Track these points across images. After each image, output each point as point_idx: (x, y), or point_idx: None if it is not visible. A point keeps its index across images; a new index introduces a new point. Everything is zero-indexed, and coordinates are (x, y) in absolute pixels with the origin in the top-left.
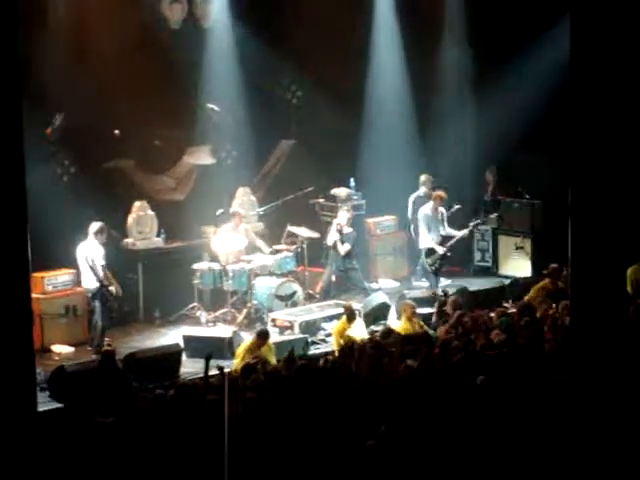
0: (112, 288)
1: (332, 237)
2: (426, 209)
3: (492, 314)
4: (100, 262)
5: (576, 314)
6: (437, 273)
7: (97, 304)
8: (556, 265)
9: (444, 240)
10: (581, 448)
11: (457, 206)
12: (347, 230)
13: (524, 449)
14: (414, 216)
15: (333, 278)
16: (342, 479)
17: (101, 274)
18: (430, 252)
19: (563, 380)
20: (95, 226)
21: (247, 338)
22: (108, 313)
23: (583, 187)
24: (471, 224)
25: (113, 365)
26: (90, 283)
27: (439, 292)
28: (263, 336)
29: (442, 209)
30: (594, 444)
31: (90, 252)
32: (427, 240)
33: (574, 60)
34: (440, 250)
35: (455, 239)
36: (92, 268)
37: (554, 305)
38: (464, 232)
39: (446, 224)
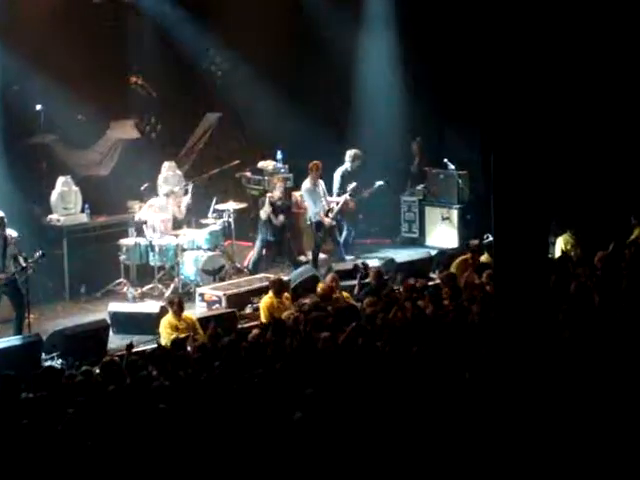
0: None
1: (266, 210)
2: (307, 183)
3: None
4: None
5: (499, 283)
6: (321, 247)
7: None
8: (477, 241)
9: (329, 211)
10: (508, 423)
11: (379, 183)
12: (279, 203)
13: (449, 423)
14: (340, 190)
15: (264, 252)
16: (272, 453)
17: None
18: (319, 225)
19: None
20: None
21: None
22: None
23: (505, 156)
24: (349, 189)
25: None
26: None
27: (360, 264)
28: (174, 304)
29: (321, 181)
30: (520, 418)
31: None
32: (314, 213)
33: (494, 27)
34: (327, 222)
35: (338, 207)
36: None
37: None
38: (344, 197)
39: (326, 195)
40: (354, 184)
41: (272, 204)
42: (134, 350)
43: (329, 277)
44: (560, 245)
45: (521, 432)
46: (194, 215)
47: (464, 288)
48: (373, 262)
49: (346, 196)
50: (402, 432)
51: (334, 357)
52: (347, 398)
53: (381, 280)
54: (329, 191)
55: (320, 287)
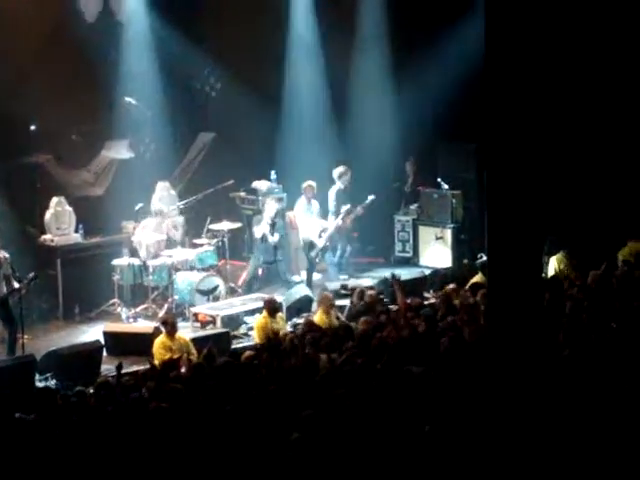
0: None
1: (261, 229)
2: (300, 203)
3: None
4: None
5: (493, 302)
6: (315, 267)
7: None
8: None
9: (322, 232)
10: (502, 435)
11: (371, 197)
12: (277, 221)
13: (450, 441)
14: (338, 210)
15: (259, 271)
16: (269, 472)
17: None
18: (311, 246)
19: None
20: None
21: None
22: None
23: (499, 176)
24: (342, 211)
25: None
26: None
27: (349, 284)
28: (167, 325)
29: (315, 201)
30: (516, 431)
31: None
32: (307, 233)
33: (489, 46)
34: (320, 243)
35: (331, 230)
36: None
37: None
38: (337, 222)
39: (319, 216)
40: (348, 206)
41: (270, 225)
42: (127, 371)
43: (324, 296)
44: (554, 265)
45: (516, 450)
46: (189, 235)
47: (459, 308)
48: (366, 281)
49: (339, 220)
50: (400, 450)
51: (332, 377)
52: (345, 419)
53: (364, 300)
54: (325, 211)
55: (368, 295)
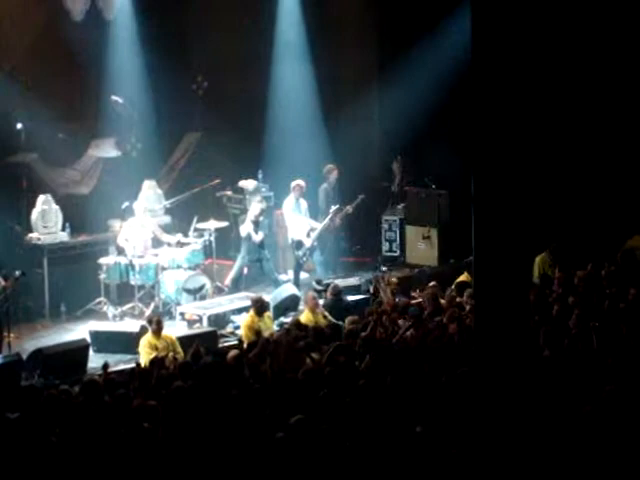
0: None
1: (245, 228)
2: (289, 202)
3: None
4: None
5: (480, 302)
6: (302, 266)
7: None
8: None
9: (310, 231)
10: (490, 439)
11: (361, 196)
12: (261, 220)
13: (434, 443)
14: (327, 209)
15: (245, 270)
16: (253, 471)
17: None
18: (299, 245)
19: (467, 371)
20: None
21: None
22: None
23: (486, 176)
24: (330, 212)
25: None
26: None
27: (315, 283)
28: (153, 323)
29: (303, 200)
30: (503, 434)
31: None
32: (295, 232)
33: (475, 46)
34: (307, 242)
35: (319, 229)
36: None
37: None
38: (325, 221)
39: (307, 215)
40: (337, 206)
41: (254, 223)
42: (113, 369)
43: (310, 295)
44: (538, 265)
45: (505, 450)
46: (175, 233)
47: (445, 308)
48: (354, 280)
49: (327, 220)
50: (392, 451)
51: (316, 377)
52: (333, 419)
53: (339, 296)
54: (315, 209)
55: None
